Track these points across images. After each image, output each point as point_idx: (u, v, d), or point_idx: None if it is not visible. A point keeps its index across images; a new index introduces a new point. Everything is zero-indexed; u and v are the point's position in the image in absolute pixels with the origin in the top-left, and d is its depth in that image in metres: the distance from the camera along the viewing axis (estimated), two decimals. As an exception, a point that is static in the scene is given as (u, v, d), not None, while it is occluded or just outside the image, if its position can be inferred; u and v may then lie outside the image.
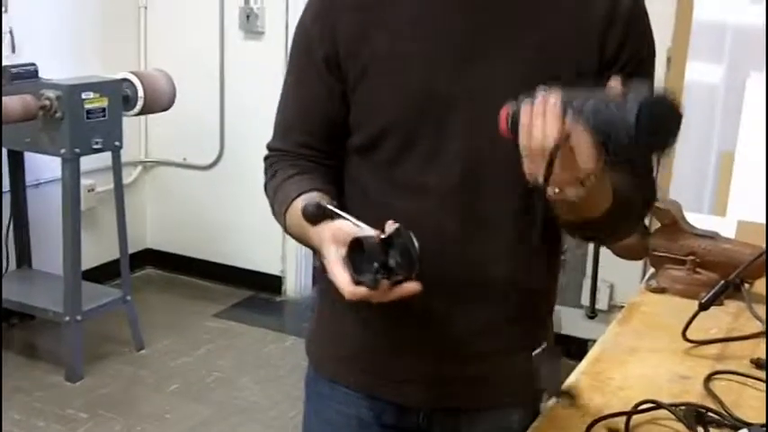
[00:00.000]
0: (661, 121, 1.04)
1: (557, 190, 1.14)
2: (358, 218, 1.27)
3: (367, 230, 1.21)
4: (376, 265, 1.16)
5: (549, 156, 1.09)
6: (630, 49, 1.32)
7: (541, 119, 1.09)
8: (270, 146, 1.50)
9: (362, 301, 1.22)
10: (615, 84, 1.08)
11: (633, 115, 1.02)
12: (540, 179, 1.11)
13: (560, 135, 1.08)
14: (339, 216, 1.26)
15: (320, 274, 1.57)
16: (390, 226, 1.20)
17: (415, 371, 1.44)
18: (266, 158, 1.50)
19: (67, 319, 3.72)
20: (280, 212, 1.40)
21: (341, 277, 1.19)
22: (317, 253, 1.35)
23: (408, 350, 1.43)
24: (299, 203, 1.34)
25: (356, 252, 1.18)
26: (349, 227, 1.23)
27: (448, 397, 1.46)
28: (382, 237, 1.18)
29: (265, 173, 1.49)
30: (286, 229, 1.40)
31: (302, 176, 1.41)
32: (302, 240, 1.37)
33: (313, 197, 1.34)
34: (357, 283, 1.18)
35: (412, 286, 1.18)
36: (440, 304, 1.39)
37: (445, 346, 1.42)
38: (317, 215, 1.28)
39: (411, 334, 1.42)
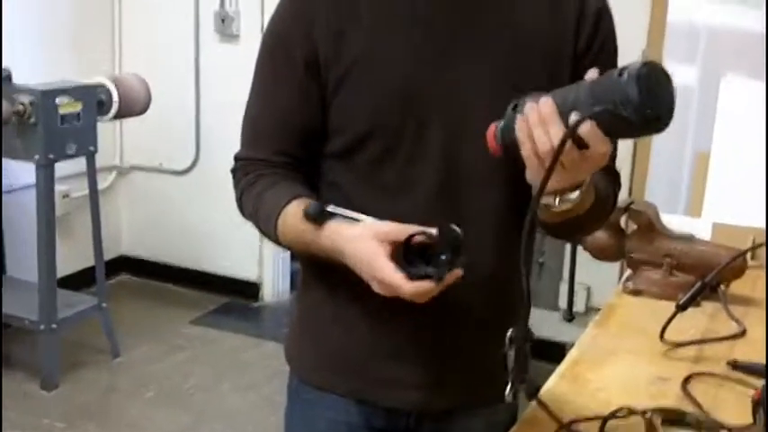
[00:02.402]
0: (659, 87, 1.04)
1: (557, 201, 1.19)
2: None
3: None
4: (444, 257, 1.19)
5: (557, 148, 1.09)
6: (599, 42, 1.37)
7: (541, 126, 1.11)
8: (240, 155, 1.46)
9: (345, 306, 1.28)
10: (593, 74, 1.11)
11: (633, 85, 1.02)
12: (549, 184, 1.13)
13: (567, 132, 1.09)
14: (342, 216, 1.28)
15: (301, 278, 1.55)
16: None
17: (403, 374, 1.43)
18: (236, 170, 1.46)
19: (43, 327, 3.68)
20: (268, 221, 1.37)
21: (396, 275, 1.20)
22: (316, 255, 1.34)
23: (395, 354, 1.43)
24: (292, 209, 1.34)
25: (406, 249, 1.21)
26: (384, 224, 1.24)
27: (438, 398, 1.46)
28: (435, 233, 1.21)
29: (237, 184, 1.45)
30: (276, 237, 1.38)
31: (286, 183, 1.39)
32: (300, 245, 1.35)
33: (306, 201, 1.33)
34: (417, 278, 1.20)
35: (457, 272, 1.21)
36: (424, 306, 1.40)
37: (432, 348, 1.42)
38: (319, 216, 1.28)
39: (397, 337, 1.42)
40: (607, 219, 1.49)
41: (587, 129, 1.08)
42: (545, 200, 1.19)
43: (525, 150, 1.14)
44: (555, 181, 1.13)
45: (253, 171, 1.43)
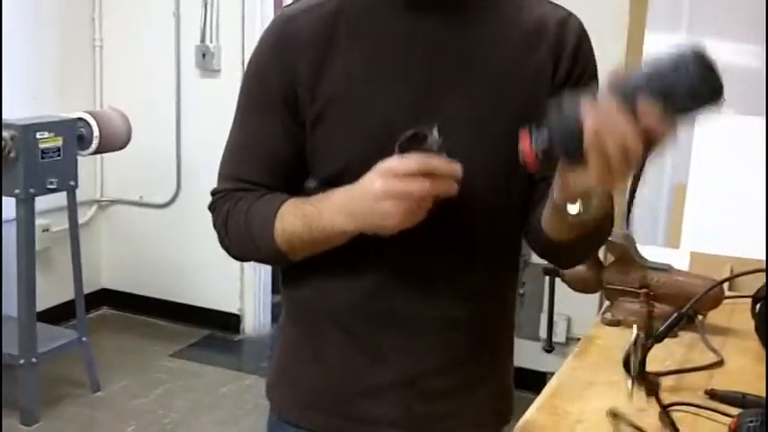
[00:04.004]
0: (711, 66, 1.06)
1: (580, 207, 1.18)
2: (319, 259, 1.33)
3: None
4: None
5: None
6: (579, 69, 1.36)
7: (612, 135, 1.05)
8: (219, 188, 1.43)
9: (325, 344, 1.34)
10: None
11: (689, 67, 1.04)
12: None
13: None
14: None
15: (282, 315, 1.55)
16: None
17: (382, 412, 1.43)
18: (216, 202, 1.43)
19: (23, 361, 3.66)
20: (263, 227, 1.35)
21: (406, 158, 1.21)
22: (318, 240, 1.33)
23: (375, 392, 1.43)
24: (288, 206, 1.34)
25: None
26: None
27: None
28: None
29: (219, 213, 1.42)
30: (271, 241, 1.35)
31: (273, 194, 1.38)
32: (301, 233, 1.33)
33: (300, 198, 1.35)
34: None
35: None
36: (400, 342, 1.40)
37: (409, 385, 1.42)
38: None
39: (376, 376, 1.42)
40: (602, 244, 1.49)
41: (650, 119, 1.05)
42: (568, 207, 1.18)
43: (593, 155, 1.06)
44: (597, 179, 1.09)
45: (235, 197, 1.40)
